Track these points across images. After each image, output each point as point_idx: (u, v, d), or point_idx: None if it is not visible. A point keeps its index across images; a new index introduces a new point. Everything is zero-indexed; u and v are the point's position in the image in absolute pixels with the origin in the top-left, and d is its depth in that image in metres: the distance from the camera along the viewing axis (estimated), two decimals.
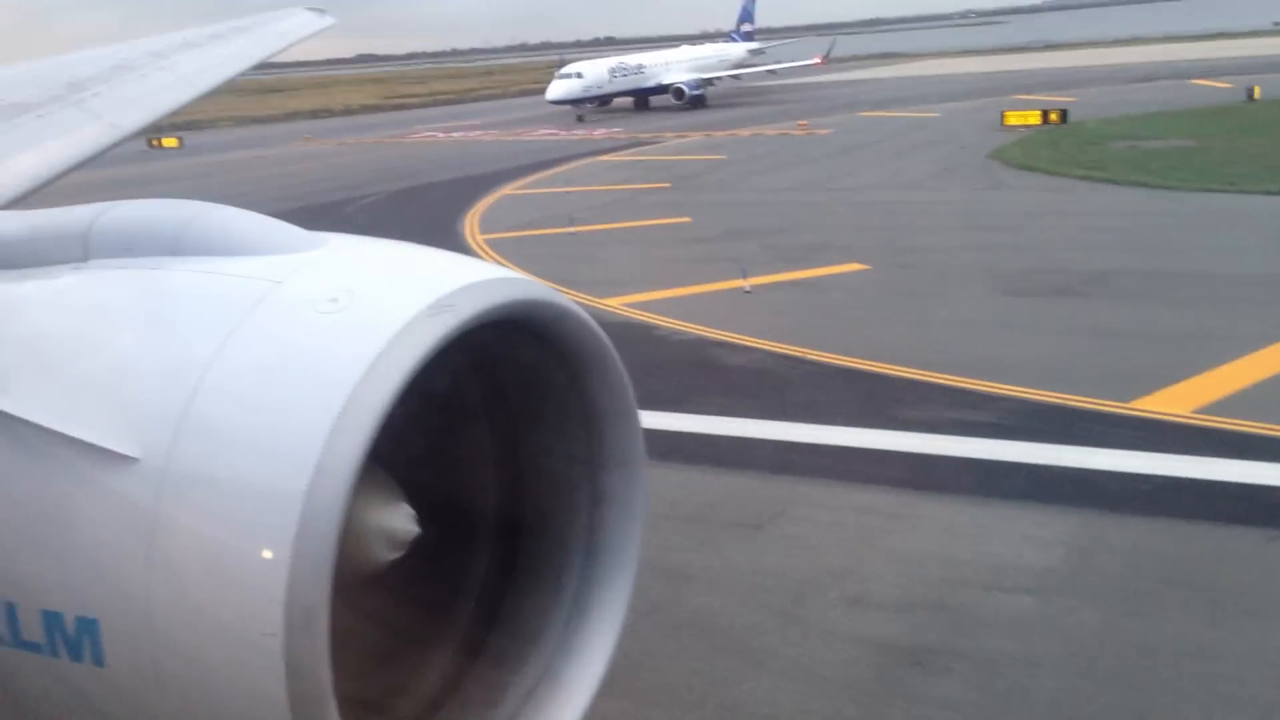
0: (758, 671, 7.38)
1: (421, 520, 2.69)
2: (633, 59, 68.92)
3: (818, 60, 75.43)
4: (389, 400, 2.38)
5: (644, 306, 17.58)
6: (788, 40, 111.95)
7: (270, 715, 2.39)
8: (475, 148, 50.78)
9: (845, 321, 16.31)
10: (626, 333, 15.80)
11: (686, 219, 26.15)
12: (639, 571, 3.23)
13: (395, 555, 2.67)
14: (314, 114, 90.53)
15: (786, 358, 14.46)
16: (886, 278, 18.90)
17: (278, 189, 37.42)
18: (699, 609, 8.29)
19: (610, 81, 65.79)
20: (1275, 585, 8.11)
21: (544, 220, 27.18)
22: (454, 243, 24.18)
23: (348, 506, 2.35)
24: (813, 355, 14.38)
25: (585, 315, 2.89)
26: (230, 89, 8.99)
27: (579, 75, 64.37)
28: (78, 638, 2.51)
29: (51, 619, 2.54)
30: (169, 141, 62.09)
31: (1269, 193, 24.05)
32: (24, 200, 4.84)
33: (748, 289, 18.09)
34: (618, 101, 68.28)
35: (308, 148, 57.75)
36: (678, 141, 46.60)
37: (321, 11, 8.88)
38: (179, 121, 58.42)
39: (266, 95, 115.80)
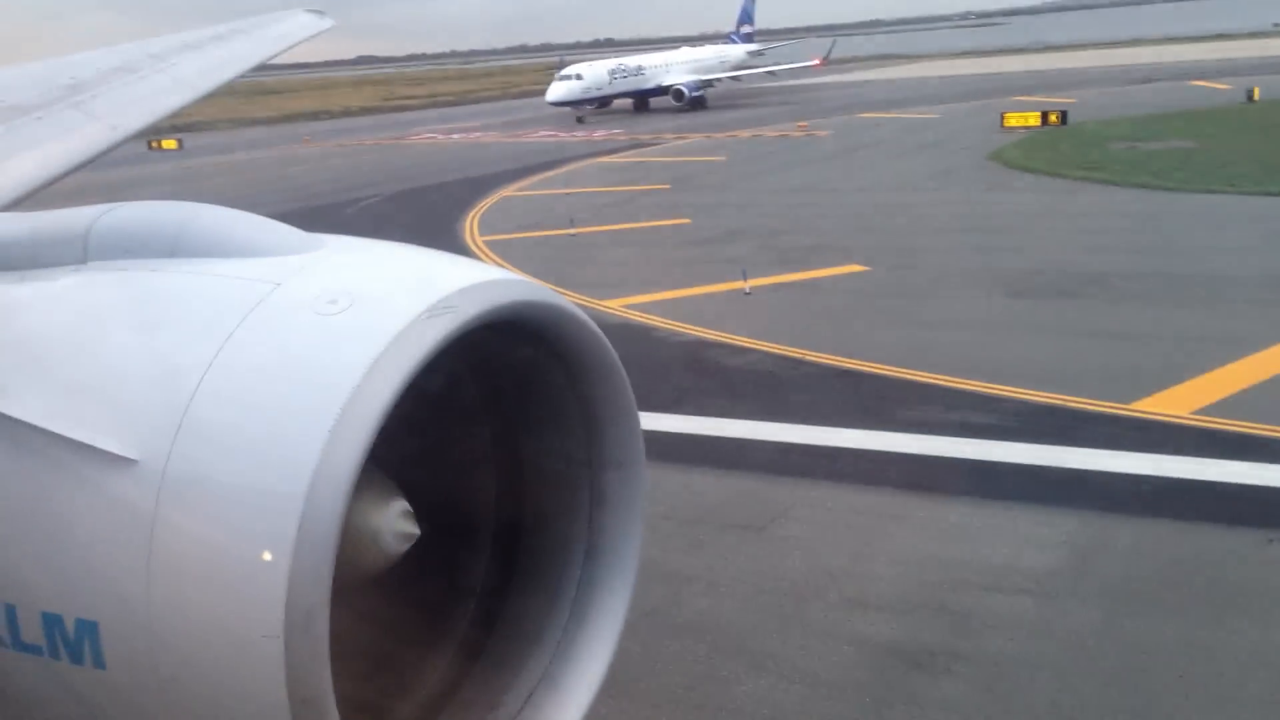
0: (758, 673, 7.38)
1: (421, 522, 2.69)
2: (632, 60, 68.94)
3: (817, 62, 75.41)
4: (388, 402, 2.38)
5: (644, 308, 17.58)
6: (787, 42, 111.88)
7: (270, 717, 2.39)
8: (475, 149, 50.78)
9: (845, 323, 16.30)
10: (626, 334, 15.82)
11: (686, 220, 26.16)
12: (639, 573, 3.23)
13: (395, 557, 2.67)
14: (314, 116, 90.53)
15: (786, 359, 14.46)
16: (886, 279, 18.90)
17: (277, 191, 37.45)
18: (699, 611, 8.29)
19: (610, 83, 65.82)
20: (1275, 586, 8.10)
21: (544, 222, 27.18)
22: (454, 244, 24.18)
23: (347, 508, 2.35)
24: (813, 356, 14.38)
25: (585, 317, 2.89)
26: (230, 91, 9.00)
27: (579, 77, 64.40)
28: (78, 640, 2.51)
29: (52, 621, 2.53)
30: (168, 143, 62.11)
31: (1268, 193, 24.07)
32: (23, 202, 4.84)
33: (748, 290, 18.09)
34: (617, 103, 68.31)
35: (307, 149, 57.76)
36: (677, 143, 46.61)
37: (321, 13, 8.88)
38: (178, 123, 58.43)
39: (266, 97, 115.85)
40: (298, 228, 2.96)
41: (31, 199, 4.94)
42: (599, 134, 54.10)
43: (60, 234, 3.03)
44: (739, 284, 18.29)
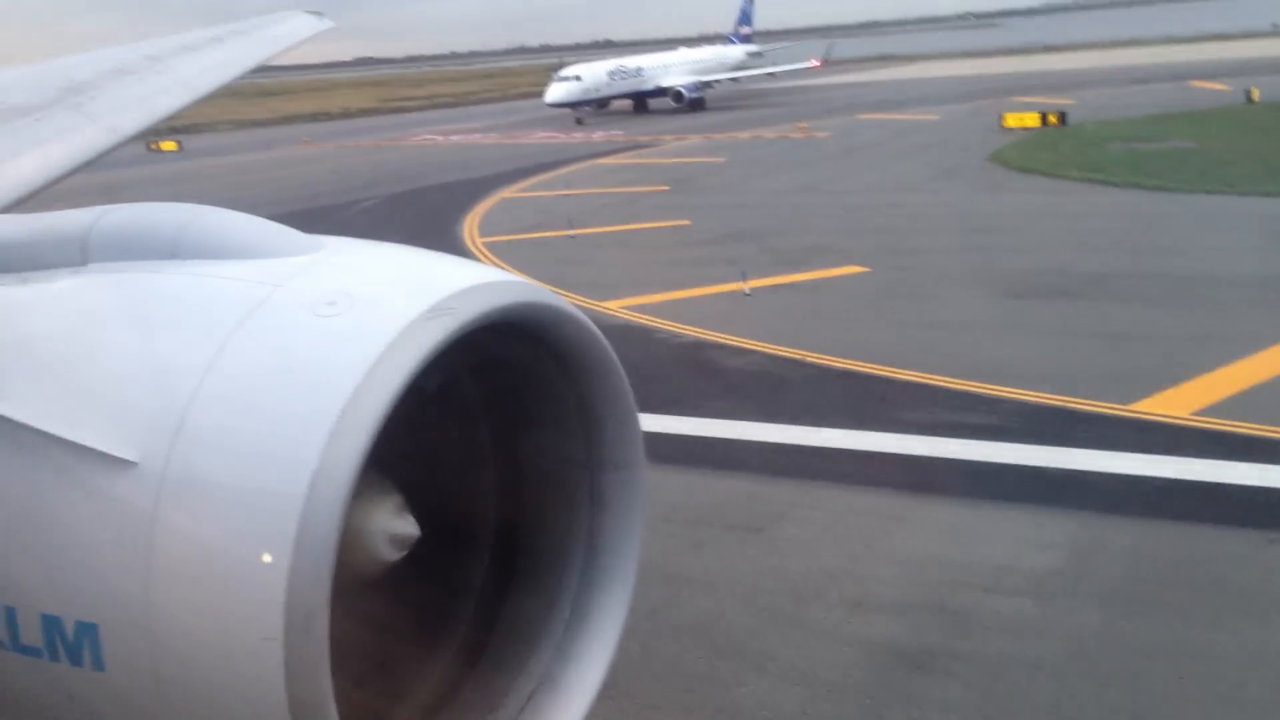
0: (758, 674, 7.37)
1: (420, 523, 2.69)
2: (631, 62, 68.97)
3: (816, 63, 75.44)
4: (388, 404, 2.38)
5: (643, 309, 17.58)
6: (786, 43, 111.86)
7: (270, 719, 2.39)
8: (474, 151, 50.79)
9: (845, 324, 16.31)
10: (625, 335, 15.80)
11: (686, 221, 26.15)
12: (638, 574, 3.22)
13: (394, 559, 2.67)
14: (313, 117, 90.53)
15: (786, 360, 14.46)
16: (886, 280, 18.90)
17: (276, 192, 37.43)
18: (699, 612, 8.28)
19: (609, 84, 65.87)
20: (1275, 587, 8.10)
21: (543, 223, 27.19)
22: (453, 245, 24.17)
23: (347, 510, 2.34)
24: (812, 358, 14.38)
25: (584, 318, 2.89)
26: (229, 92, 8.99)
27: (578, 78, 64.43)
28: (77, 642, 2.51)
29: (51, 623, 2.53)
30: (167, 145, 62.13)
31: (1267, 194, 24.08)
32: (23, 204, 4.84)
33: (747, 291, 18.09)
34: (616, 104, 68.36)
35: (306, 151, 57.78)
36: (676, 144, 46.62)
37: (320, 14, 8.87)
38: (178, 125, 58.36)
39: (265, 98, 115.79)
40: (297, 229, 2.97)
41: (31, 201, 4.94)
42: (598, 135, 54.11)
43: (60, 236, 3.03)
44: (739, 285, 18.29)
